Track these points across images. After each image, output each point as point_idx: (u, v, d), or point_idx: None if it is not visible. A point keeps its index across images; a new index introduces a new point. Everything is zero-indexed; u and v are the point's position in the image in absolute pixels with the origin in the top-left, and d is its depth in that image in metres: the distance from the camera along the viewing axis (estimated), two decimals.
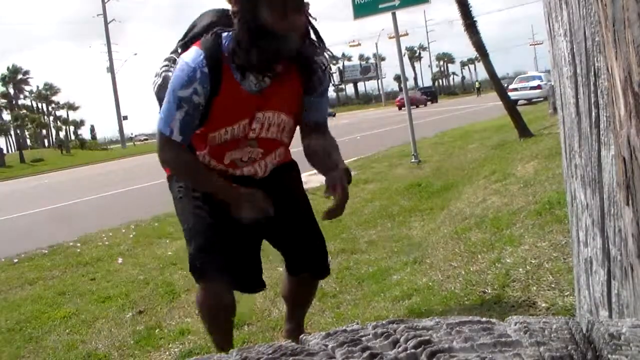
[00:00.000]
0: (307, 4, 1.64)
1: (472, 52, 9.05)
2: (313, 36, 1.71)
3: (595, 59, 0.71)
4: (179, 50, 1.82)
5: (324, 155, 1.82)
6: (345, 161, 1.88)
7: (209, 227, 1.80)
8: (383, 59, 74.62)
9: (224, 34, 1.67)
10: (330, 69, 1.82)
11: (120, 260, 4.37)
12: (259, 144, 1.83)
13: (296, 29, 1.59)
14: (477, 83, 62.61)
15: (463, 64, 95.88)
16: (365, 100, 78.32)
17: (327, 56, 1.79)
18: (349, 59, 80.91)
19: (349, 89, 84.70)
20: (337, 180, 1.71)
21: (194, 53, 1.66)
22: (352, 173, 1.94)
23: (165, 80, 1.80)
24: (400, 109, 34.34)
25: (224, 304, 1.82)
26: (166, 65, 1.89)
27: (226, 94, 1.67)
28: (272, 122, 1.79)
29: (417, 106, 38.44)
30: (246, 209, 1.73)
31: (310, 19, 1.68)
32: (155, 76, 1.91)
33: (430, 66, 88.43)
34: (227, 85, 1.67)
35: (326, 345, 0.39)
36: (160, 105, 1.74)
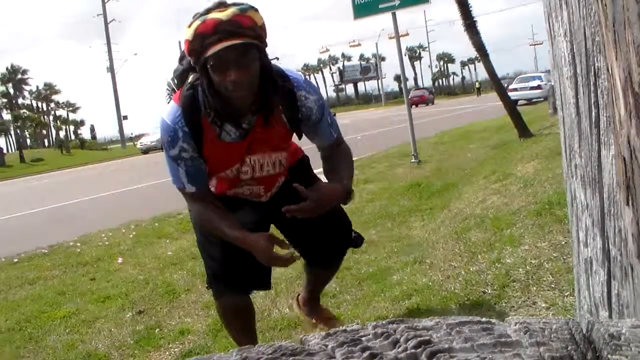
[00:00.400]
0: (253, 57, 1.53)
1: (472, 52, 9.05)
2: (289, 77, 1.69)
3: (595, 59, 0.71)
4: (175, 81, 1.80)
5: (330, 172, 1.86)
6: None
7: (212, 257, 1.94)
8: (383, 59, 74.45)
9: (200, 87, 1.62)
10: (317, 96, 1.76)
11: (120, 260, 4.37)
12: (257, 182, 1.85)
13: (238, 85, 1.51)
14: (477, 83, 62.56)
15: (463, 64, 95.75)
16: (365, 100, 78.13)
17: (305, 87, 1.73)
18: (349, 59, 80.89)
19: (349, 89, 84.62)
20: (327, 191, 1.72)
21: (172, 110, 1.66)
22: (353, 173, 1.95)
23: None
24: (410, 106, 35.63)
25: (236, 308, 1.99)
26: (168, 89, 1.87)
27: (210, 145, 1.68)
28: (263, 162, 1.80)
29: (427, 104, 40.83)
30: (267, 261, 1.73)
31: (268, 61, 1.61)
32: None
33: (431, 66, 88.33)
34: (209, 137, 1.67)
35: (326, 345, 0.39)
36: None
